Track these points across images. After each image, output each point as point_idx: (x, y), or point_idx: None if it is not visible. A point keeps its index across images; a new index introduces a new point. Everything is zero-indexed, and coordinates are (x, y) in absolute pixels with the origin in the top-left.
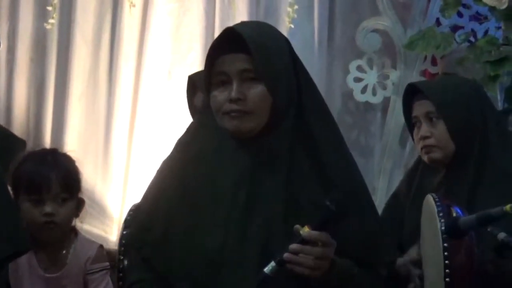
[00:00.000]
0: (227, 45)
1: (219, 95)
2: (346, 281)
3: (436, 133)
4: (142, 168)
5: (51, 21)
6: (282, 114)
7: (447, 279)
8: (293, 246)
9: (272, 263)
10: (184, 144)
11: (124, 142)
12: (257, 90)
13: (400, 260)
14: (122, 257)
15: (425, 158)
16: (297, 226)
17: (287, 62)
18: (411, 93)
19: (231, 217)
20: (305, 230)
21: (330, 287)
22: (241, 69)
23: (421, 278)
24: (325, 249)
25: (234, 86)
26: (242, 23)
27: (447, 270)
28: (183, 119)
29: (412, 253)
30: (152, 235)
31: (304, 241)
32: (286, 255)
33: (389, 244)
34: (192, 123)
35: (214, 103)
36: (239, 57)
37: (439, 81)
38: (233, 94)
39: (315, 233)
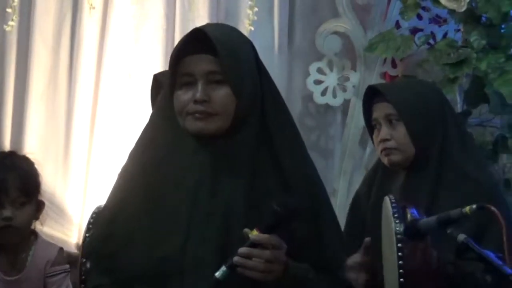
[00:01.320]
0: (194, 46)
1: (183, 96)
2: (302, 285)
3: (396, 135)
4: (103, 170)
5: (10, 23)
6: (246, 117)
7: (401, 280)
8: (242, 249)
9: (223, 268)
10: (144, 146)
11: (85, 144)
12: (222, 92)
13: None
14: (84, 260)
15: (385, 160)
16: (247, 229)
17: (253, 65)
18: (371, 95)
19: (191, 220)
20: (254, 233)
21: None
22: (207, 70)
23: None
24: (275, 252)
25: (199, 87)
26: (209, 24)
27: (401, 271)
28: (143, 121)
29: (355, 257)
30: (113, 241)
31: (254, 244)
32: (235, 259)
33: (349, 248)
34: (151, 123)
35: (177, 103)
36: (206, 58)
37: (399, 83)
38: (198, 95)
39: (263, 236)
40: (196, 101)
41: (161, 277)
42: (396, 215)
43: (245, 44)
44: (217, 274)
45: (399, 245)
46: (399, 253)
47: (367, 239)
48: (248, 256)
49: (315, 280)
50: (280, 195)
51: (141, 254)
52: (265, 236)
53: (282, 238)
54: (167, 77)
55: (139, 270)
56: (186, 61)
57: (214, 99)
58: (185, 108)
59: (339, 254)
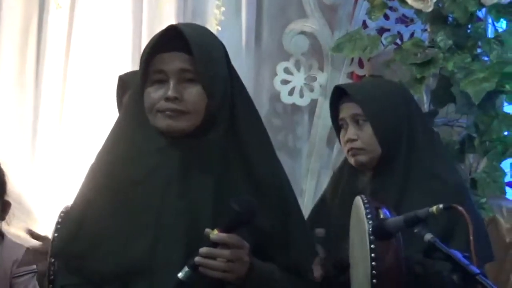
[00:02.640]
0: (167, 44)
1: (154, 93)
2: (267, 285)
3: (362, 136)
4: (70, 170)
5: None
6: (215, 117)
7: (374, 281)
8: (203, 249)
9: (186, 268)
10: (112, 145)
11: (52, 144)
12: (193, 91)
13: None
14: (53, 260)
15: (351, 160)
16: (208, 230)
17: (224, 66)
18: (338, 95)
19: (160, 220)
20: (214, 233)
21: None
22: (179, 68)
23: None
24: (236, 251)
25: (171, 84)
26: (183, 23)
27: (374, 272)
28: (111, 120)
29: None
30: (81, 241)
31: (215, 244)
32: (196, 259)
33: (315, 248)
34: (119, 122)
35: (148, 100)
36: (179, 56)
37: (366, 84)
38: (170, 92)
39: (223, 235)
40: (167, 99)
41: (130, 277)
42: (369, 216)
43: (218, 45)
44: (180, 274)
45: (372, 246)
46: (372, 254)
47: (319, 230)
48: (209, 256)
49: (282, 281)
50: (249, 195)
51: (110, 254)
52: (225, 235)
53: (248, 237)
54: (134, 77)
55: (108, 270)
56: (158, 58)
57: (185, 98)
58: (156, 106)
59: (307, 256)
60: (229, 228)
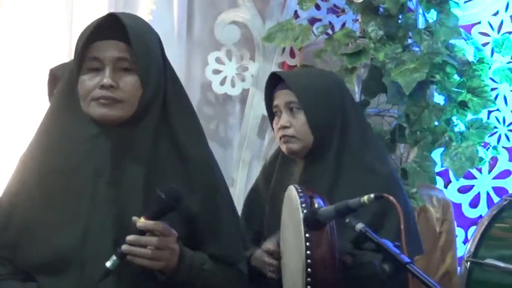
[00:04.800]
0: (104, 32)
1: (89, 81)
2: (197, 274)
3: (295, 123)
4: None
5: None
6: (149, 106)
7: (308, 270)
8: (129, 237)
9: (113, 257)
10: (43, 133)
11: None
12: (129, 80)
13: (257, 252)
14: None
15: (283, 148)
16: (134, 218)
17: (159, 56)
18: (274, 82)
19: (91, 208)
20: (141, 221)
21: (180, 280)
22: (116, 56)
23: (277, 268)
24: (163, 238)
25: (107, 72)
26: (120, 13)
27: (308, 261)
28: (41, 112)
29: (267, 245)
30: (11, 231)
31: (142, 232)
32: (123, 247)
33: (246, 239)
34: (50, 110)
35: (82, 87)
36: (116, 44)
37: (301, 72)
38: (106, 80)
39: (149, 222)
40: (103, 86)
41: (61, 266)
42: (303, 205)
43: (154, 35)
44: (108, 263)
45: (307, 235)
46: (307, 243)
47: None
48: (136, 244)
49: (212, 270)
50: (180, 183)
51: (41, 243)
52: (151, 222)
53: (178, 226)
54: (65, 70)
55: (39, 260)
56: (94, 46)
57: (121, 86)
58: (91, 93)
59: (237, 246)
60: (155, 215)
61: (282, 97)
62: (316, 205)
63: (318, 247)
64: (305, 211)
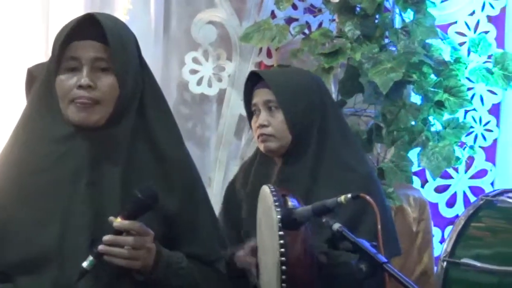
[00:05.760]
0: (82, 31)
1: (67, 81)
2: (175, 274)
3: (274, 122)
4: None
5: None
6: (126, 107)
7: (283, 267)
8: (106, 237)
9: (90, 257)
10: (20, 133)
11: None
12: (107, 81)
13: (239, 252)
14: None
15: (261, 147)
16: (111, 218)
17: (136, 57)
18: (253, 81)
19: (69, 208)
20: (117, 221)
21: (157, 279)
22: (94, 56)
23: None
24: (140, 238)
25: (85, 72)
26: (98, 13)
27: (283, 258)
28: (18, 113)
29: (252, 243)
30: None
31: (119, 232)
32: (100, 247)
33: (224, 238)
34: (27, 109)
35: (60, 88)
36: (94, 44)
37: (281, 71)
38: (83, 80)
39: (125, 222)
40: (80, 86)
41: (39, 266)
42: (277, 204)
43: (131, 36)
44: (84, 263)
45: (280, 233)
46: (281, 241)
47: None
48: (112, 244)
49: (190, 270)
50: (158, 183)
51: (18, 243)
52: (128, 222)
53: (155, 225)
54: (43, 69)
55: (16, 260)
56: (72, 46)
57: (98, 86)
58: (69, 94)
59: (215, 245)
60: (131, 214)
61: (261, 95)
62: (290, 204)
63: (293, 245)
64: (278, 209)
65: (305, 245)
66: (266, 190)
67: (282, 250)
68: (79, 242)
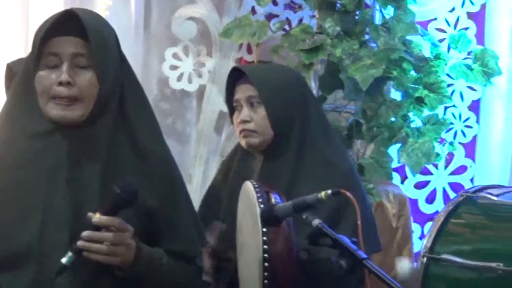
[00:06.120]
0: (62, 27)
1: (47, 77)
2: (155, 270)
3: (256, 118)
4: None
5: None
6: (106, 103)
7: (266, 264)
8: (84, 233)
9: (69, 253)
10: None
11: None
12: (87, 77)
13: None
14: None
15: (243, 142)
16: (90, 213)
17: (116, 53)
18: (235, 77)
19: (49, 204)
20: (96, 216)
21: (137, 276)
22: (74, 52)
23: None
24: (119, 234)
25: (64, 68)
26: (78, 8)
27: (265, 255)
28: None
29: (208, 239)
30: None
31: (98, 228)
32: (79, 243)
33: (204, 234)
34: (6, 105)
35: (40, 84)
36: (74, 40)
37: (263, 67)
38: (63, 77)
39: (104, 218)
40: (60, 83)
41: (18, 262)
42: (260, 200)
43: (111, 32)
44: (63, 259)
45: (264, 229)
46: (264, 237)
47: (216, 222)
48: (91, 240)
49: (170, 266)
50: (137, 178)
51: None
52: (106, 218)
53: (135, 222)
54: (22, 65)
55: None
56: (52, 42)
57: (78, 83)
58: (49, 91)
59: (195, 242)
60: (110, 210)
61: (243, 91)
62: (273, 201)
63: (276, 242)
64: (262, 205)
65: (288, 242)
66: (249, 186)
67: (265, 246)
68: (58, 238)
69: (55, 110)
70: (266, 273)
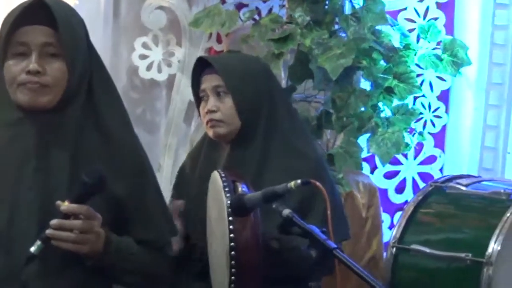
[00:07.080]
0: (31, 16)
1: (15, 66)
2: (124, 259)
3: (222, 107)
4: None
5: None
6: (75, 92)
7: (232, 253)
8: (53, 221)
9: (38, 242)
10: None
11: None
12: (56, 66)
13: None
14: None
15: (210, 132)
16: (58, 202)
17: (84, 42)
18: (201, 67)
19: (17, 193)
20: (65, 204)
21: (107, 264)
22: (43, 42)
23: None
24: (87, 222)
25: (34, 58)
26: None
27: (232, 244)
28: None
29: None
30: None
31: (67, 216)
32: (47, 231)
33: (173, 223)
34: None
35: (8, 73)
36: (43, 30)
37: (228, 56)
38: (32, 66)
39: (72, 206)
40: (29, 72)
41: None
42: (227, 189)
43: (80, 21)
44: (32, 248)
45: (230, 218)
46: (231, 226)
47: (177, 201)
48: (60, 228)
49: (139, 255)
50: (107, 167)
51: None
52: (74, 205)
53: (104, 211)
54: None
55: None
56: (21, 31)
57: (47, 72)
58: (17, 79)
59: (164, 230)
60: (79, 198)
61: (209, 81)
62: (240, 190)
63: (242, 231)
64: (228, 195)
65: (254, 231)
66: (216, 175)
67: (232, 235)
68: (27, 227)
69: (24, 96)
70: (233, 262)
